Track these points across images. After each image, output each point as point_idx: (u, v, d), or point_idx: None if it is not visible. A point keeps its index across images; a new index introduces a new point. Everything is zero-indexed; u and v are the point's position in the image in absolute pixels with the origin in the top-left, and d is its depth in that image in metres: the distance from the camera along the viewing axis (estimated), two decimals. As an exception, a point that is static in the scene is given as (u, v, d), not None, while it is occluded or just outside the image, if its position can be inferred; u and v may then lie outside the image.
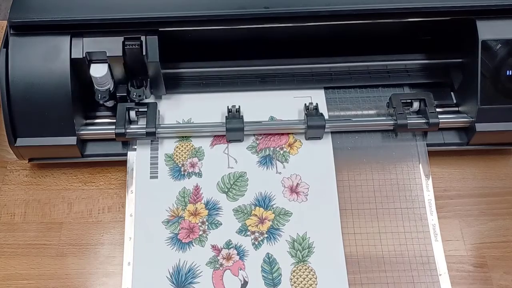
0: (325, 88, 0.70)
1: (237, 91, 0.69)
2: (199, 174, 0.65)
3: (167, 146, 0.67)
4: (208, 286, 0.59)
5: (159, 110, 0.66)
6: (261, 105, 0.68)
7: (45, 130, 0.63)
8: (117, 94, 0.65)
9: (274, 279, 0.60)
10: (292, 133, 0.67)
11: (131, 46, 0.61)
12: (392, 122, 0.65)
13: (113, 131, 0.64)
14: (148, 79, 0.65)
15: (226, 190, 0.64)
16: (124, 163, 0.66)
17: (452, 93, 0.70)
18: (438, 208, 0.64)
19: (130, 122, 0.66)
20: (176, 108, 0.68)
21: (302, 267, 0.60)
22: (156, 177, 0.65)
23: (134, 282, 0.59)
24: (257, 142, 0.67)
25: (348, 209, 0.63)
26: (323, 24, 0.64)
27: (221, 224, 0.62)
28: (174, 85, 0.69)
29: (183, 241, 0.61)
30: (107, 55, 0.61)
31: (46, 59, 0.61)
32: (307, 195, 0.64)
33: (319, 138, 0.66)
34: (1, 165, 0.70)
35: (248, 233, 0.62)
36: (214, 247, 0.61)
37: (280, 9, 0.61)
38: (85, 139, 0.66)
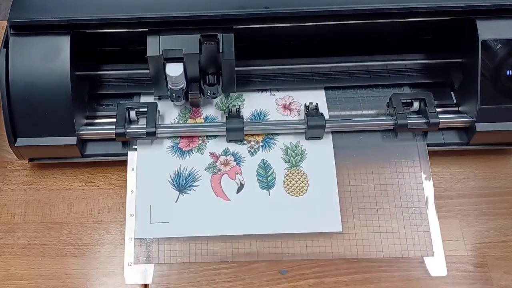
0: (325, 88, 0.70)
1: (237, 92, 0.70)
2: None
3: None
4: (207, 188, 0.64)
5: (159, 110, 0.66)
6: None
7: (45, 130, 0.63)
8: (190, 92, 0.65)
9: (268, 182, 0.64)
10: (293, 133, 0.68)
11: (208, 44, 0.61)
12: (392, 122, 0.66)
13: (113, 131, 0.64)
14: (221, 77, 0.65)
15: (224, 108, 0.68)
16: (124, 163, 0.66)
17: (452, 93, 0.70)
18: (438, 208, 0.64)
19: (130, 122, 0.66)
20: None
21: (295, 171, 0.65)
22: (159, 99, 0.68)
23: (138, 186, 0.64)
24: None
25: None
26: (323, 24, 0.64)
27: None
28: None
29: (183, 149, 0.66)
30: (184, 52, 0.61)
31: (46, 59, 0.61)
32: (299, 111, 0.68)
33: (319, 138, 0.66)
34: (1, 165, 0.70)
35: (245, 142, 0.66)
36: (212, 154, 0.66)
37: (280, 9, 0.61)
38: (85, 139, 0.66)
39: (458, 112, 0.68)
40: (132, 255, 0.61)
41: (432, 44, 0.72)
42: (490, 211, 0.65)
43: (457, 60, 0.68)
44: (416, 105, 0.67)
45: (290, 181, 0.64)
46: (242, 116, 0.66)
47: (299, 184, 0.64)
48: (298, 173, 0.64)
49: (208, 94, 0.65)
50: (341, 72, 0.70)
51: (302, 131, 0.66)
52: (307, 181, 0.64)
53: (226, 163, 0.65)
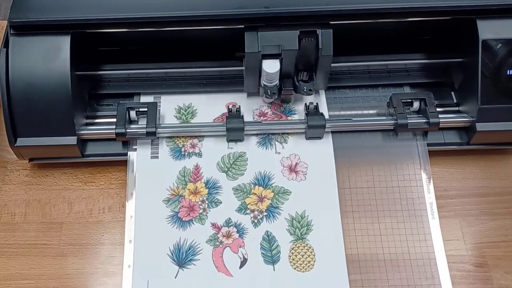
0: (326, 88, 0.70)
1: (235, 92, 0.70)
2: (199, 154, 0.66)
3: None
4: (209, 263, 0.60)
5: (159, 110, 0.66)
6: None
7: (46, 130, 0.63)
8: (284, 89, 0.65)
9: (273, 256, 0.60)
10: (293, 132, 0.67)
11: (307, 40, 0.61)
12: (393, 121, 0.65)
13: (114, 131, 0.64)
14: (314, 73, 0.64)
15: (226, 169, 0.65)
16: (124, 163, 0.66)
17: (452, 92, 0.70)
18: (439, 208, 0.64)
19: (131, 122, 0.66)
20: None
21: (301, 244, 0.61)
22: (157, 157, 0.66)
23: (135, 260, 0.60)
24: None
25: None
26: (346, 23, 0.64)
27: (221, 202, 0.63)
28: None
29: (183, 219, 0.62)
30: (283, 49, 0.61)
31: (47, 59, 0.61)
32: (305, 174, 0.65)
33: (320, 138, 0.66)
34: (1, 165, 0.70)
35: (248, 211, 0.63)
36: (214, 225, 0.62)
37: (280, 8, 0.61)
38: (86, 139, 0.66)
39: (458, 112, 0.68)
40: None
41: (432, 44, 0.72)
42: (491, 211, 0.65)
43: (457, 60, 0.68)
44: (416, 105, 0.67)
45: (296, 255, 0.60)
46: (242, 116, 0.66)
47: (306, 258, 0.60)
48: (304, 246, 0.61)
49: (304, 90, 0.64)
50: (341, 71, 0.70)
51: (303, 131, 0.66)
52: (314, 255, 0.60)
53: (228, 235, 0.62)
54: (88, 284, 0.61)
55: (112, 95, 0.70)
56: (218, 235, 0.62)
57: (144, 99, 0.69)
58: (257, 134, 0.67)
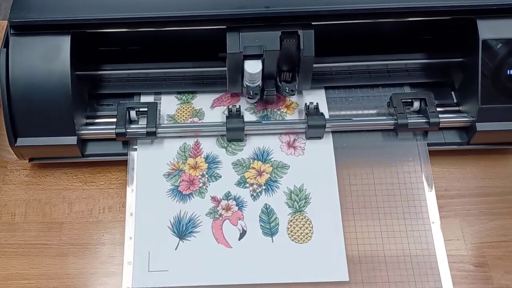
0: (326, 88, 0.70)
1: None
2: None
3: (169, 108, 0.69)
4: (208, 235, 0.62)
5: (159, 110, 0.66)
6: None
7: (46, 130, 0.63)
8: (266, 90, 0.65)
9: (271, 228, 0.62)
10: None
11: (289, 40, 0.61)
12: (393, 121, 0.65)
13: (114, 130, 0.64)
14: (297, 74, 0.65)
15: (226, 145, 0.66)
16: (124, 162, 0.66)
17: (452, 92, 0.70)
18: (439, 208, 0.64)
19: (131, 121, 0.66)
20: None
21: (299, 216, 0.62)
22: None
23: (136, 232, 0.62)
24: (255, 104, 0.69)
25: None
26: (327, 24, 0.64)
27: (220, 176, 0.64)
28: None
29: (183, 192, 0.64)
30: (265, 49, 0.61)
31: (47, 59, 0.61)
32: (304, 149, 0.66)
33: (320, 137, 0.66)
34: (1, 165, 0.70)
35: (247, 185, 0.64)
36: (213, 198, 0.64)
37: (280, 8, 0.61)
38: (86, 138, 0.66)
39: (458, 111, 0.68)
40: None
41: (433, 43, 0.72)
42: (491, 210, 0.65)
43: (457, 59, 0.68)
44: (416, 104, 0.67)
45: (294, 227, 0.62)
46: (243, 116, 0.66)
47: (304, 230, 0.62)
48: (302, 219, 0.62)
49: (286, 91, 0.64)
50: (341, 71, 0.70)
51: (303, 130, 0.66)
52: (312, 227, 0.62)
53: (227, 208, 0.63)
54: (88, 284, 0.61)
55: (112, 95, 0.70)
56: (218, 208, 0.63)
57: (144, 98, 0.69)
58: (255, 114, 0.68)
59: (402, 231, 0.62)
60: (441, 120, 0.64)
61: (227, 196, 0.64)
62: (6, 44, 0.62)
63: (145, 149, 0.66)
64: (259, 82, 0.64)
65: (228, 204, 0.63)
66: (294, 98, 0.69)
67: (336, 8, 0.61)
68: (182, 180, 0.64)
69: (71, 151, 0.65)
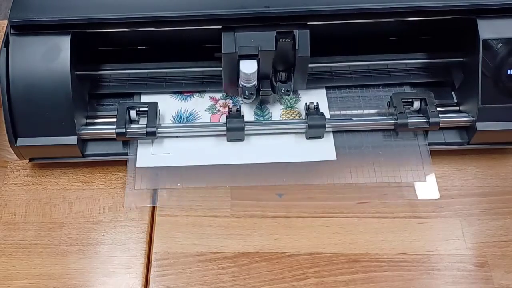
0: (326, 88, 0.70)
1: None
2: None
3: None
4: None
5: (159, 110, 0.66)
6: None
7: (46, 130, 0.63)
8: (262, 90, 0.65)
9: (265, 116, 0.68)
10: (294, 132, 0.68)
11: (284, 41, 0.61)
12: (393, 121, 0.65)
13: (114, 130, 0.64)
14: (292, 74, 0.65)
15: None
16: (124, 163, 0.66)
17: (453, 92, 0.70)
18: (439, 208, 0.64)
19: (131, 121, 0.66)
20: None
21: (290, 110, 0.69)
22: None
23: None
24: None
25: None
26: (323, 23, 0.64)
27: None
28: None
29: (185, 94, 0.70)
30: (260, 49, 0.61)
31: (47, 59, 0.61)
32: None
33: (320, 137, 0.66)
34: (1, 165, 0.70)
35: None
36: (212, 98, 0.70)
37: (280, 8, 0.61)
38: (86, 138, 0.66)
39: (458, 111, 0.68)
40: (134, 182, 0.64)
41: (433, 43, 0.72)
42: (491, 210, 0.65)
43: (457, 59, 0.68)
44: (416, 104, 0.67)
45: (287, 113, 0.68)
46: (243, 116, 0.66)
47: (294, 117, 0.68)
48: (293, 112, 0.68)
49: (282, 91, 0.64)
50: (341, 71, 0.70)
51: (303, 130, 0.66)
52: (300, 118, 0.67)
53: (225, 105, 0.68)
54: (88, 284, 0.61)
55: (112, 95, 0.70)
56: (216, 105, 0.69)
57: (145, 98, 0.69)
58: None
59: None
60: (441, 120, 0.64)
61: (225, 97, 0.69)
62: (6, 44, 0.62)
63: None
64: (255, 82, 0.64)
65: (226, 102, 0.69)
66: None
67: (332, 8, 0.61)
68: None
69: (71, 151, 0.65)
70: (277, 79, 0.65)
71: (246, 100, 0.68)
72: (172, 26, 0.63)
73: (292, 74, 0.65)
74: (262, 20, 0.61)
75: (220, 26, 0.61)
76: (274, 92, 0.66)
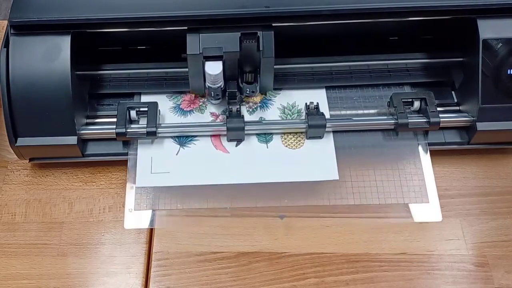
0: (326, 88, 0.70)
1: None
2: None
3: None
4: (207, 142, 0.66)
5: (159, 110, 0.66)
6: None
7: (46, 130, 0.63)
8: (228, 91, 0.65)
9: (266, 136, 0.67)
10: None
11: (248, 42, 0.61)
12: (393, 121, 0.65)
13: (114, 130, 0.64)
14: (259, 75, 0.65)
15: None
16: (124, 162, 0.66)
17: (453, 92, 0.70)
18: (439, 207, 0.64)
19: (131, 121, 0.66)
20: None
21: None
22: None
23: (140, 141, 0.66)
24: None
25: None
26: (323, 23, 0.64)
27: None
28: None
29: (184, 109, 0.69)
30: (224, 50, 0.61)
31: (47, 59, 0.61)
32: None
33: (320, 137, 0.66)
34: (1, 164, 0.70)
35: (244, 102, 0.69)
36: (212, 114, 0.68)
37: (280, 8, 0.61)
38: (86, 138, 0.66)
39: (459, 111, 0.68)
40: (133, 202, 0.63)
41: (433, 43, 0.72)
42: (491, 210, 0.65)
43: (458, 59, 0.68)
44: (416, 104, 0.67)
45: (288, 135, 0.66)
46: (243, 115, 0.66)
47: (296, 138, 0.66)
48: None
49: (247, 92, 0.65)
50: (342, 71, 0.70)
51: (303, 130, 0.66)
52: (302, 138, 0.66)
53: (225, 121, 0.67)
54: (89, 284, 0.61)
55: (113, 95, 0.70)
56: (216, 121, 0.68)
57: (145, 98, 0.69)
58: None
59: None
60: (441, 119, 0.64)
61: (225, 111, 0.67)
62: (6, 44, 0.62)
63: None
64: (221, 83, 0.64)
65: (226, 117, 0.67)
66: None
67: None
68: (183, 100, 0.69)
69: (71, 151, 0.65)
70: (244, 80, 0.65)
71: (213, 101, 0.68)
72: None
73: (258, 75, 0.65)
74: (226, 21, 0.61)
75: (186, 27, 0.61)
76: (240, 93, 0.66)
